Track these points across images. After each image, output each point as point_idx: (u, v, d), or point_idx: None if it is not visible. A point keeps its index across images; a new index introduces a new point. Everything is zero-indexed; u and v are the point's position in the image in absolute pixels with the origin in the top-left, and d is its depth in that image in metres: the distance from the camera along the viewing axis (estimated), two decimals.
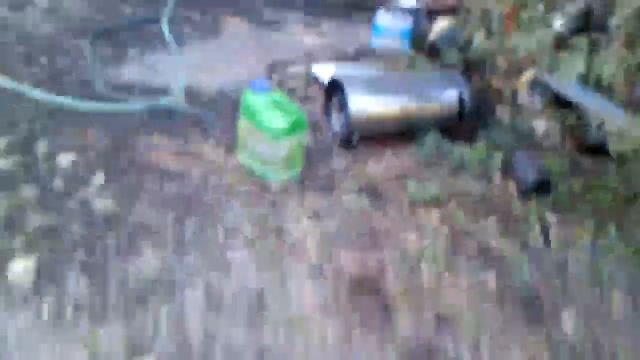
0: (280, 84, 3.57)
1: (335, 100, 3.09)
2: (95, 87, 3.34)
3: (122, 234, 2.37)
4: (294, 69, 3.74)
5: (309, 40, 4.22)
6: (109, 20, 4.21)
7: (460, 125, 3.09)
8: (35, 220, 2.39)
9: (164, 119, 3.13)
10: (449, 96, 3.06)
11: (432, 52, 3.84)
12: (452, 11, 4.34)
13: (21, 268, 2.19)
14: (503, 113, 3.33)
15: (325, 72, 3.58)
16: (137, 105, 3.20)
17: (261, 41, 4.16)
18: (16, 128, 2.95)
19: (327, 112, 3.15)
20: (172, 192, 2.61)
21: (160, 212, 2.50)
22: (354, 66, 3.70)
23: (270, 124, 2.60)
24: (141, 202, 2.54)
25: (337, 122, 3.06)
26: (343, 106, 2.97)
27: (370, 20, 4.47)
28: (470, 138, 3.08)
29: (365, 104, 2.93)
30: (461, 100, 3.04)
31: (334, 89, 3.08)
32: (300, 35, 4.28)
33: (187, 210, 2.51)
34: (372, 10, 4.72)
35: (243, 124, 2.73)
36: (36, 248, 2.26)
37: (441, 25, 3.94)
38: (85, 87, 3.36)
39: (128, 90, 3.38)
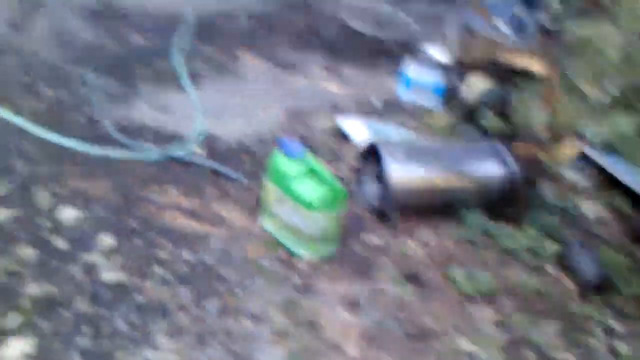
0: (304, 139, 3.29)
1: (371, 167, 2.81)
2: (102, 127, 3.03)
3: (132, 313, 2.05)
4: (319, 121, 3.46)
5: (332, 87, 3.95)
6: (117, 48, 3.91)
7: (505, 203, 2.82)
8: (34, 289, 2.06)
9: (179, 171, 2.83)
10: (494, 171, 2.81)
11: (467, 112, 3.59)
12: (484, 67, 4.13)
13: (15, 352, 1.86)
14: (548, 190, 3.08)
15: (353, 127, 3.31)
16: (150, 153, 2.89)
17: (281, 84, 3.88)
18: (14, 172, 2.62)
19: (361, 178, 2.87)
20: (189, 263, 2.30)
21: (176, 287, 2.18)
22: (386, 124, 3.43)
23: (304, 194, 2.31)
24: (154, 272, 2.22)
25: (372, 191, 2.78)
26: (381, 175, 2.69)
27: (394, 68, 4.24)
28: (515, 217, 2.82)
29: (406, 175, 2.66)
30: (509, 178, 2.78)
31: (370, 155, 2.80)
32: (321, 81, 4.01)
33: (206, 288, 2.20)
34: (394, 57, 4.50)
35: (271, 188, 2.43)
36: (33, 327, 1.93)
37: (477, 84, 3.70)
38: (92, 127, 3.04)
39: (139, 133, 3.07)
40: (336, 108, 3.66)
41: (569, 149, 3.25)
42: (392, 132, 3.33)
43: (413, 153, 2.77)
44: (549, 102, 3.39)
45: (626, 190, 2.99)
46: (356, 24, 4.89)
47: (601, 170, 3.11)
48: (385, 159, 2.64)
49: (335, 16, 5.04)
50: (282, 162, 2.37)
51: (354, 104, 3.76)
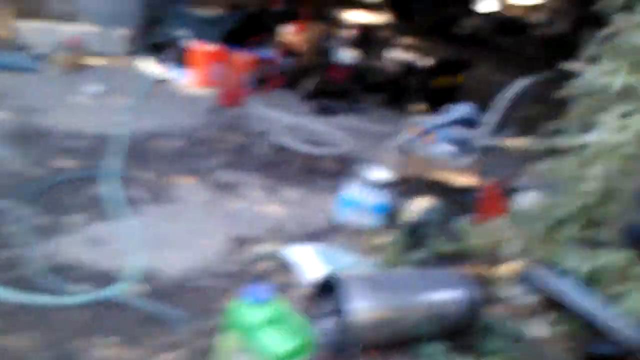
0: (249, 267, 3.12)
1: (327, 300, 2.64)
2: (27, 268, 2.75)
3: None
4: (263, 248, 3.30)
5: (272, 209, 3.82)
6: (44, 175, 3.66)
7: (465, 330, 2.72)
8: None
9: (118, 315, 2.56)
10: (453, 299, 2.71)
11: (411, 232, 3.53)
12: (425, 186, 4.15)
13: None
14: (498, 312, 3.02)
15: (301, 255, 3.17)
16: (83, 297, 2.61)
17: (220, 208, 3.72)
18: None
19: (315, 312, 2.69)
20: None
21: None
22: (334, 250, 3.31)
23: (269, 346, 2.11)
24: None
25: (329, 326, 2.60)
26: (339, 309, 2.53)
27: (333, 187, 4.19)
28: (473, 345, 2.71)
29: (367, 309, 2.51)
30: (467, 305, 2.69)
31: (326, 287, 2.65)
32: (261, 203, 3.88)
33: None
34: (332, 175, 4.47)
35: (231, 338, 2.21)
36: None
37: (420, 205, 3.68)
38: (15, 268, 2.75)
39: (69, 272, 2.80)
40: (279, 232, 3.53)
41: (511, 269, 3.22)
42: (342, 258, 3.20)
43: (372, 285, 2.64)
44: (486, 221, 3.41)
45: (571, 309, 2.96)
46: (289, 142, 4.86)
47: (544, 290, 3.09)
48: (345, 293, 2.49)
49: (267, 134, 5.00)
50: (245, 308, 2.17)
51: (296, 226, 3.64)
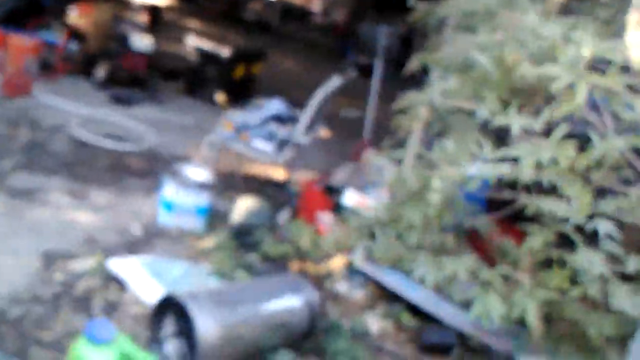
0: (67, 286, 2.80)
1: (169, 322, 2.47)
2: None
3: None
4: (79, 263, 2.98)
5: (83, 217, 3.46)
6: None
7: (309, 334, 2.74)
8: None
9: None
10: (295, 305, 2.71)
11: (239, 235, 3.45)
12: (247, 185, 4.09)
13: None
14: (337, 309, 3.09)
15: (127, 269, 2.92)
16: None
17: (20, 220, 3.27)
18: None
19: (156, 336, 2.50)
20: None
21: None
22: (163, 261, 3.09)
23: None
24: None
25: (173, 350, 2.43)
26: (184, 330, 2.38)
27: (146, 186, 3.94)
28: (318, 348, 2.74)
29: (215, 328, 2.38)
30: (312, 309, 2.71)
31: (166, 307, 2.47)
32: (69, 210, 3.49)
33: None
34: (142, 175, 4.20)
35: None
36: None
37: (244, 205, 3.61)
38: None
39: None
40: (95, 243, 3.20)
41: (335, 261, 3.32)
42: (172, 269, 3.01)
43: (214, 301, 2.51)
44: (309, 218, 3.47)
45: (403, 300, 3.13)
46: (89, 136, 4.45)
47: (375, 282, 3.23)
48: (190, 313, 2.35)
49: (63, 127, 4.52)
50: (86, 350, 1.92)
51: (112, 235, 3.34)
